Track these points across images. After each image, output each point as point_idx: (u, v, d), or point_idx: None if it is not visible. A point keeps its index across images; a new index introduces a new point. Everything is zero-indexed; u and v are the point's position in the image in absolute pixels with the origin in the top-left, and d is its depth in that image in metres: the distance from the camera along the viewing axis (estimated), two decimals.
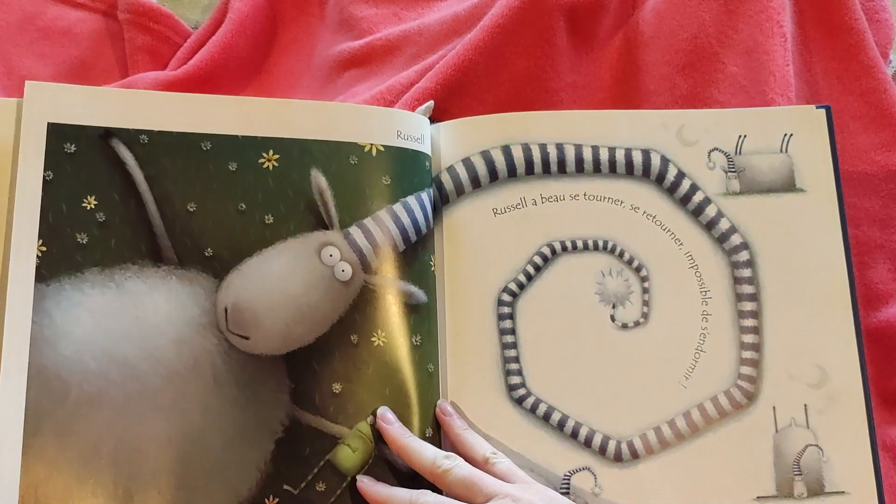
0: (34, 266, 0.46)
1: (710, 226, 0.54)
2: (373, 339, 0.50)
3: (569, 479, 0.50)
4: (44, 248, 0.47)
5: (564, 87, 0.64)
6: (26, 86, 0.48)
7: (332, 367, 0.49)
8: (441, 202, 0.54)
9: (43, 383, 0.45)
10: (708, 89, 0.61)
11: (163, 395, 0.46)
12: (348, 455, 0.48)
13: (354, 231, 0.51)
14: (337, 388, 0.49)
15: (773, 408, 0.52)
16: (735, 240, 0.54)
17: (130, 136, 0.49)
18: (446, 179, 0.54)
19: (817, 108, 0.56)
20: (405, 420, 0.49)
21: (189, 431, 0.46)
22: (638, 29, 0.64)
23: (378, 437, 0.49)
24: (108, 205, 0.48)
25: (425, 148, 0.54)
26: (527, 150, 0.54)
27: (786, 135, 0.55)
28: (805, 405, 0.52)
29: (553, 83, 0.63)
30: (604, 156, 0.54)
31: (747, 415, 0.52)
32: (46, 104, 0.48)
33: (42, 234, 0.47)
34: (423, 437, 0.49)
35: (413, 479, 0.49)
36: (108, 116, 0.49)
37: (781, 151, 0.55)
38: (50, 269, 0.46)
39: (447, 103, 0.60)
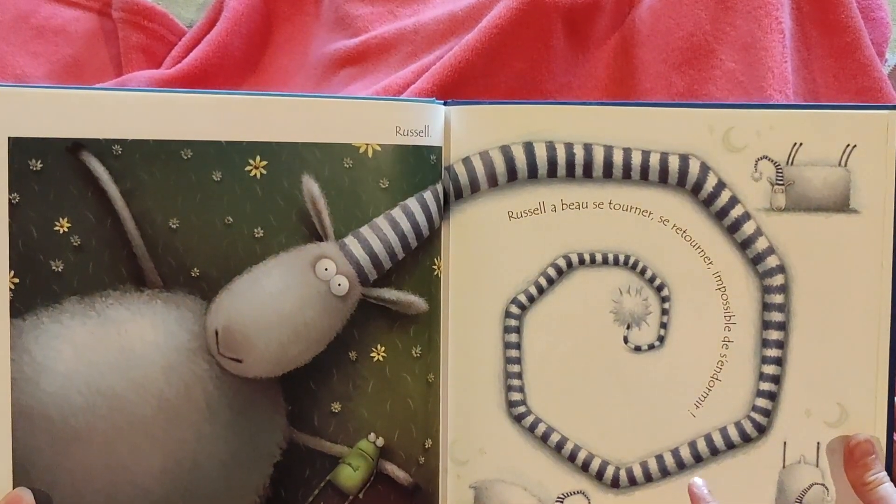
0: (7, 300, 0.43)
1: (745, 244, 0.49)
2: (372, 354, 0.48)
3: (562, 502, 0.50)
4: (16, 280, 0.43)
5: (559, 88, 0.61)
6: None
7: (331, 386, 0.47)
8: (453, 196, 0.49)
9: (28, 423, 0.44)
10: (705, 86, 0.58)
11: (154, 425, 0.45)
12: (350, 474, 0.48)
13: (350, 241, 0.47)
14: (336, 407, 0.47)
15: (784, 443, 0.50)
16: (771, 262, 0.49)
17: (102, 148, 0.44)
18: (461, 172, 0.49)
19: (888, 108, 0.49)
20: (404, 433, 0.48)
21: (184, 461, 0.46)
22: (634, 28, 0.61)
23: (379, 453, 0.48)
24: (83, 226, 0.44)
25: (430, 140, 0.48)
26: (551, 149, 0.49)
27: (848, 146, 0.48)
28: (818, 443, 0.49)
29: (548, 85, 0.61)
30: (636, 160, 0.49)
31: (755, 448, 0.50)
32: (5, 115, 0.43)
33: (13, 265, 0.43)
34: (423, 450, 0.49)
35: (413, 494, 0.49)
36: (75, 125, 0.44)
37: (840, 165, 0.48)
38: (24, 302, 0.44)
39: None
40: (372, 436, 0.48)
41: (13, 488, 0.44)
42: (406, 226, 0.47)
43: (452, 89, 0.59)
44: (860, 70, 0.61)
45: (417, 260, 0.48)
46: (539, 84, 0.61)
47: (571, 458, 0.50)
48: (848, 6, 0.61)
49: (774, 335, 0.49)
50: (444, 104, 0.49)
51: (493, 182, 0.49)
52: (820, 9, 0.62)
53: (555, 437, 0.50)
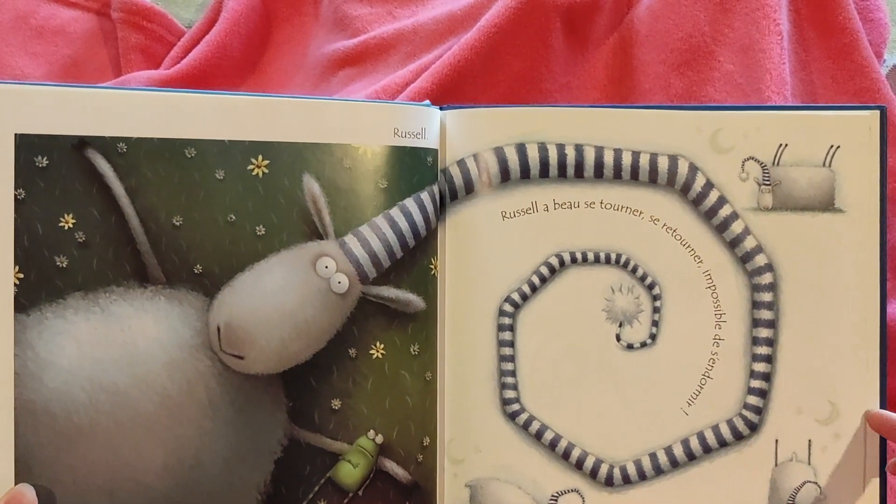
0: (12, 295, 0.44)
1: (734, 243, 0.50)
2: (371, 351, 0.48)
3: (556, 500, 0.50)
4: (21, 276, 0.44)
5: (559, 88, 0.62)
6: None
7: (331, 383, 0.48)
8: (449, 198, 0.50)
9: (30, 419, 0.44)
10: (703, 87, 0.59)
11: (156, 421, 0.46)
12: (349, 471, 0.48)
13: (350, 240, 0.48)
14: (336, 404, 0.48)
15: (776, 441, 0.50)
16: (759, 260, 0.50)
17: (107, 145, 0.45)
18: (456, 174, 0.50)
19: (871, 108, 0.50)
20: (403, 431, 0.49)
21: (186, 457, 0.46)
22: (633, 28, 0.62)
23: (379, 450, 0.49)
24: (88, 223, 0.45)
25: (427, 143, 0.50)
26: (543, 150, 0.50)
27: (832, 146, 0.50)
28: (809, 440, 0.50)
29: (547, 84, 0.61)
30: (626, 160, 0.50)
31: (748, 446, 0.50)
32: (13, 112, 0.44)
33: (18, 260, 0.44)
34: (421, 447, 0.49)
35: (412, 492, 0.49)
36: (81, 123, 0.45)
37: (825, 165, 0.50)
38: (29, 297, 0.44)
39: (442, 104, 0.56)
40: (371, 433, 0.48)
41: (15, 484, 0.44)
42: (404, 225, 0.49)
43: (451, 89, 0.59)
44: (858, 71, 0.62)
45: (415, 259, 0.49)
46: (538, 83, 0.62)
47: (565, 456, 0.50)
48: (846, 7, 0.62)
49: (764, 333, 0.50)
50: (440, 109, 0.51)
51: (486, 183, 0.50)
52: (818, 10, 0.63)
53: (548, 435, 0.50)
